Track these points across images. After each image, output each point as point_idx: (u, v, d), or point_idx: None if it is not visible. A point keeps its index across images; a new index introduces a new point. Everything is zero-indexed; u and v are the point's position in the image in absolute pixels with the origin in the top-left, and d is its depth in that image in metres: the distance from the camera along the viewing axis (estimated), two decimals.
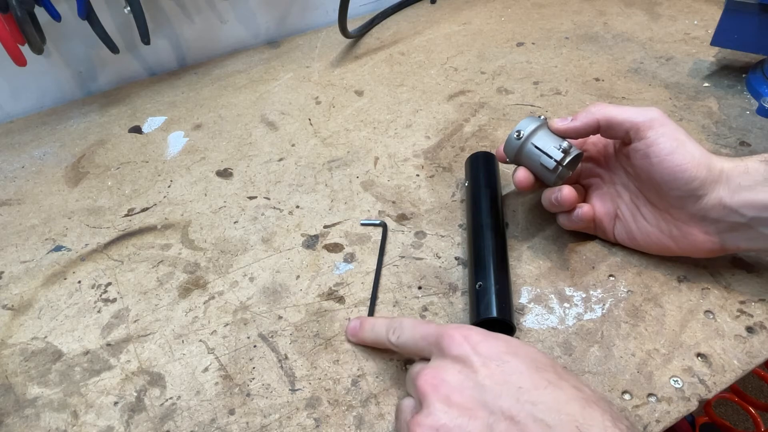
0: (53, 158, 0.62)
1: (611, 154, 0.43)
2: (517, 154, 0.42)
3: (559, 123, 0.41)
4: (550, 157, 0.40)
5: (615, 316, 0.40)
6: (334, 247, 0.47)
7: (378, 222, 0.49)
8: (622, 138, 0.40)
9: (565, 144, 0.40)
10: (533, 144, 0.41)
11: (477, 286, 0.39)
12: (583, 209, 0.42)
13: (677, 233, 0.39)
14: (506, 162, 0.45)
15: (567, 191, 0.40)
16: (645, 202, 0.41)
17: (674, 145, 0.37)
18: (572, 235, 0.46)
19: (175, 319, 0.43)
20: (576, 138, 0.41)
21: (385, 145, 0.59)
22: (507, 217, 0.48)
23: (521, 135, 0.41)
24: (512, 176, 0.43)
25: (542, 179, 0.42)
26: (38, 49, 0.60)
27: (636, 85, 0.63)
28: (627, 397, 0.35)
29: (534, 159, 0.41)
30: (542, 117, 0.42)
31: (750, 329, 0.38)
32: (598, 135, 0.41)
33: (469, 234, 0.45)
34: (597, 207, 0.43)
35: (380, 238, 0.47)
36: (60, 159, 0.62)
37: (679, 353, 0.37)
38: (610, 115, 0.39)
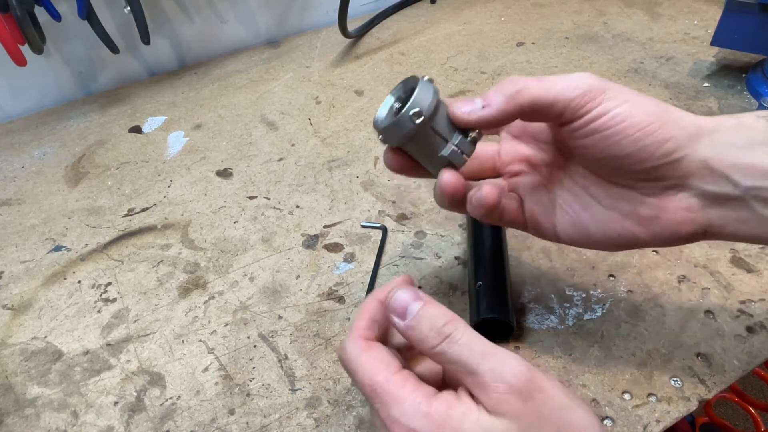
0: (53, 158, 0.62)
1: (537, 132, 0.34)
2: (408, 138, 0.30)
3: (465, 109, 0.30)
4: (458, 151, 0.30)
5: (615, 316, 0.40)
6: (334, 247, 0.47)
7: (378, 225, 0.49)
8: (555, 120, 0.30)
9: (470, 132, 0.31)
10: (432, 128, 0.30)
11: (477, 285, 0.39)
12: (482, 191, 0.31)
13: (647, 213, 0.30)
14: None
15: (488, 189, 0.31)
16: (596, 181, 0.31)
17: (627, 108, 0.28)
18: None
19: (175, 319, 0.43)
20: (488, 129, 0.31)
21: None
22: None
23: (421, 116, 0.29)
24: (383, 156, 0.33)
25: (428, 167, 0.32)
26: (38, 49, 0.60)
27: (636, 85, 0.63)
28: (627, 396, 0.35)
29: (429, 146, 0.31)
30: (426, 78, 0.30)
31: (750, 329, 0.38)
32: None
33: (468, 234, 0.45)
34: (526, 197, 0.34)
35: (380, 237, 0.47)
36: (60, 159, 0.62)
37: (679, 353, 0.37)
38: (535, 96, 0.29)
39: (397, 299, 0.27)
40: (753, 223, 0.28)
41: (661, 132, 0.28)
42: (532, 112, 0.29)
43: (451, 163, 0.31)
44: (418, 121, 0.29)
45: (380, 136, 0.31)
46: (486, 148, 0.36)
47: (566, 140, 0.31)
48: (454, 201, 0.32)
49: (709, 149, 0.28)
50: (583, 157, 0.31)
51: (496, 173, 0.36)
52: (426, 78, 0.30)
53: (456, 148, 0.30)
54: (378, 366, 0.26)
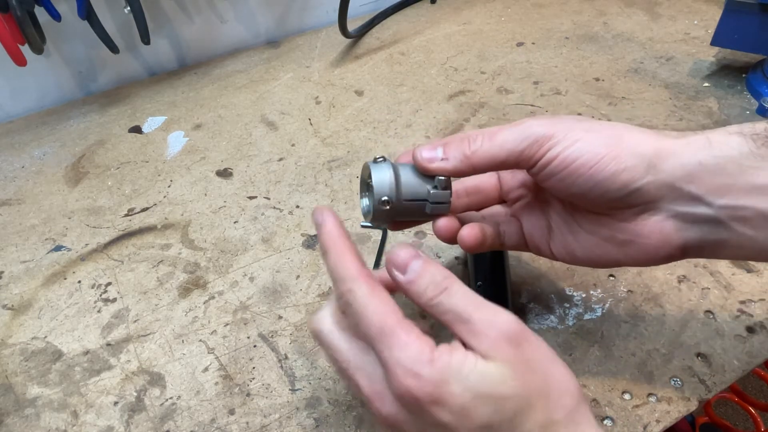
0: (53, 158, 0.62)
1: None
2: (391, 218, 0.33)
3: (426, 155, 0.31)
4: (438, 203, 0.32)
5: (615, 316, 0.40)
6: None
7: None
8: (514, 169, 0.33)
9: (437, 179, 0.32)
10: (405, 200, 0.32)
11: (477, 285, 0.39)
12: (463, 235, 0.33)
13: (623, 238, 0.31)
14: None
15: (467, 232, 0.33)
16: (577, 209, 0.33)
17: (576, 148, 0.29)
18: None
19: (175, 319, 0.43)
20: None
21: (385, 145, 0.59)
22: None
23: (387, 202, 0.31)
24: (433, 228, 0.34)
25: (425, 219, 0.34)
26: (38, 49, 0.60)
27: (636, 85, 0.63)
28: (627, 396, 0.35)
29: (412, 212, 0.33)
30: (378, 158, 0.32)
31: (750, 329, 0.38)
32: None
33: None
34: (524, 221, 0.35)
35: (380, 238, 0.47)
36: (60, 159, 0.62)
37: (679, 353, 0.37)
38: (487, 156, 0.30)
39: (398, 255, 0.28)
40: (732, 242, 0.28)
41: (614, 165, 0.28)
42: (489, 169, 0.31)
43: (439, 215, 0.33)
44: (387, 207, 0.31)
45: (371, 226, 0.34)
46: (488, 179, 0.38)
47: (536, 181, 0.32)
48: (453, 240, 0.33)
49: (677, 170, 0.28)
50: (554, 193, 0.32)
51: (500, 200, 0.38)
52: (376, 159, 0.32)
53: (435, 204, 0.32)
54: (389, 309, 0.27)
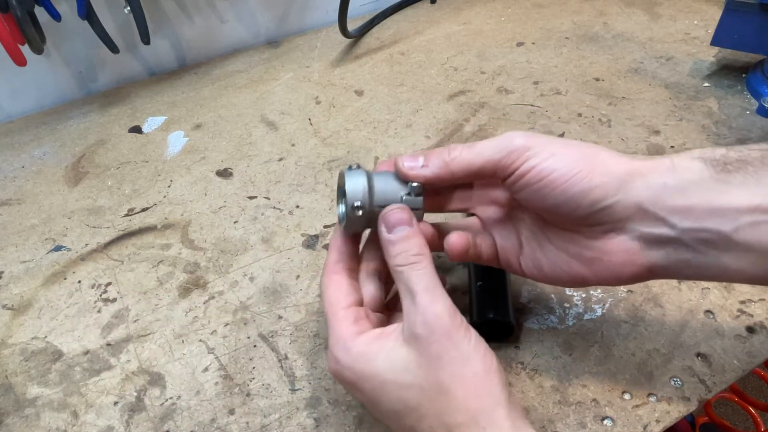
0: (53, 158, 0.62)
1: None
2: (364, 225, 0.34)
3: (407, 164, 0.32)
4: (413, 209, 0.33)
5: (615, 316, 0.40)
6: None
7: None
8: (491, 179, 0.34)
9: (411, 185, 0.33)
10: (378, 206, 0.33)
11: (477, 285, 0.39)
12: (450, 241, 0.33)
13: (590, 255, 0.31)
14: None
15: (455, 239, 0.33)
16: (547, 224, 0.33)
17: (552, 161, 0.29)
18: None
19: (175, 319, 0.43)
20: (430, 186, 0.33)
21: (385, 145, 0.59)
22: None
23: (362, 206, 0.32)
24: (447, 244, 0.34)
25: None
26: (38, 49, 0.60)
27: (636, 85, 0.63)
28: (627, 396, 0.35)
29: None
30: (353, 166, 0.33)
31: (750, 329, 0.38)
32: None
33: None
34: (497, 235, 0.36)
35: None
36: (60, 159, 0.62)
37: (679, 353, 0.37)
38: (465, 163, 0.31)
39: (393, 215, 0.31)
40: (695, 264, 0.28)
41: (587, 180, 0.28)
42: (467, 176, 0.32)
43: None
44: (360, 213, 0.32)
45: (346, 231, 0.34)
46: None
47: (510, 193, 0.33)
48: (436, 248, 0.35)
49: (644, 191, 0.28)
50: (527, 206, 0.33)
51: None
52: (351, 167, 0.33)
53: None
54: (332, 299, 0.31)
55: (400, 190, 0.33)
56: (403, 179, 0.33)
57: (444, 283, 0.33)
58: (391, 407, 0.28)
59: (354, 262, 0.34)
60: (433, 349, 0.27)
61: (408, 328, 0.29)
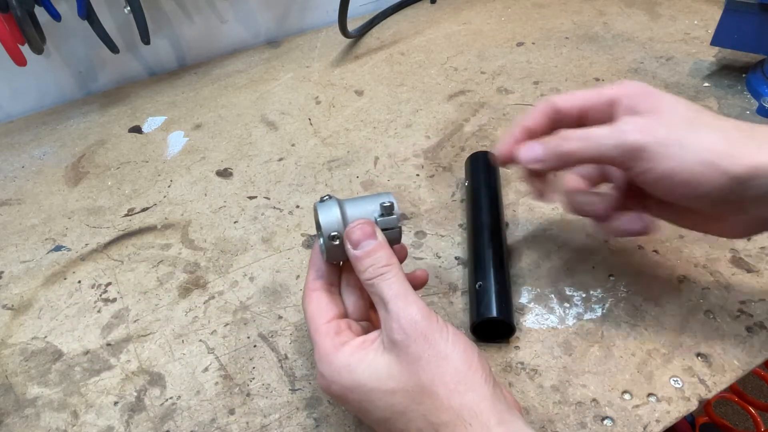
0: (53, 158, 0.62)
1: None
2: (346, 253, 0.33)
3: (524, 156, 0.35)
4: (384, 229, 0.33)
5: (615, 316, 0.40)
6: None
7: None
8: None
9: (385, 203, 0.33)
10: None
11: (477, 286, 0.39)
12: (640, 222, 0.35)
13: (711, 221, 0.35)
14: (504, 165, 0.38)
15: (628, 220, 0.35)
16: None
17: (671, 166, 0.30)
18: (572, 235, 0.46)
19: (175, 319, 0.43)
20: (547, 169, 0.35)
21: (385, 145, 0.59)
22: (507, 217, 0.48)
23: (338, 235, 0.32)
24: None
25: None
26: (38, 49, 0.60)
27: None
28: (627, 396, 0.35)
29: None
30: (324, 197, 0.34)
31: (750, 329, 0.38)
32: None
33: (469, 234, 0.45)
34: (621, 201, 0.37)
35: None
36: (60, 159, 0.62)
37: (679, 353, 0.37)
38: (581, 156, 0.33)
39: (356, 231, 0.31)
40: None
41: (708, 185, 0.29)
42: (583, 163, 0.34)
43: (394, 241, 0.33)
44: (337, 242, 0.32)
45: (330, 261, 0.34)
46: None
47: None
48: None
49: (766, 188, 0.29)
50: (652, 192, 0.33)
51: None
52: (323, 198, 0.33)
53: (384, 230, 0.33)
54: (313, 315, 0.32)
55: (374, 212, 0.33)
56: (532, 167, 0.34)
57: (422, 282, 0.36)
58: (380, 415, 0.29)
59: (334, 277, 0.35)
60: (411, 351, 0.28)
61: (386, 335, 0.29)
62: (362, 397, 0.29)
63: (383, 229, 0.33)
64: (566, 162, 0.34)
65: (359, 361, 0.29)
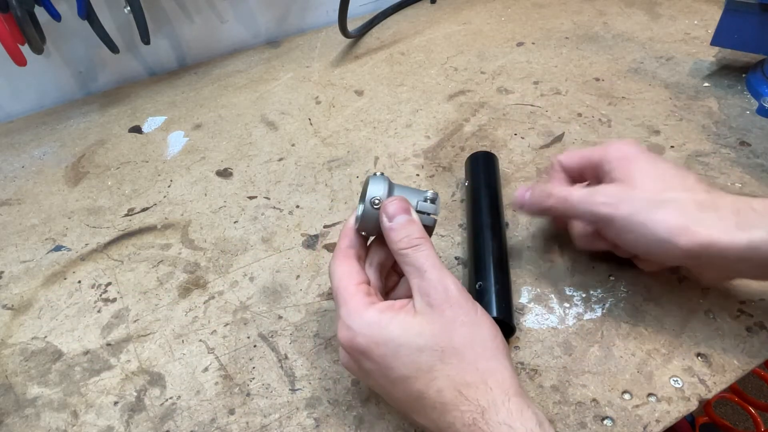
0: (53, 158, 0.62)
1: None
2: (378, 226, 0.35)
3: (516, 199, 0.41)
4: (421, 212, 0.35)
5: (615, 316, 0.40)
6: (334, 247, 0.47)
7: None
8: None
9: (429, 193, 0.36)
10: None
11: (477, 286, 0.39)
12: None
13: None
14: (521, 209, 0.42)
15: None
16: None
17: (636, 239, 0.35)
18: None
19: (175, 318, 0.43)
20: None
21: (385, 145, 0.59)
22: (507, 217, 0.48)
23: (380, 201, 0.34)
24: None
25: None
26: (38, 49, 0.60)
27: (636, 85, 0.63)
28: (627, 396, 0.35)
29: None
30: (378, 173, 0.36)
31: (750, 329, 0.38)
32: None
33: (469, 234, 0.45)
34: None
35: None
36: (60, 159, 0.62)
37: (679, 353, 0.37)
38: (561, 210, 0.39)
39: (392, 204, 0.33)
40: None
41: (670, 258, 0.36)
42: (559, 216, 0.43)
43: (426, 227, 0.35)
44: (377, 207, 0.34)
45: (363, 233, 0.36)
46: None
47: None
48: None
49: (722, 261, 0.33)
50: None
51: None
52: (376, 173, 0.36)
53: (420, 213, 0.35)
54: (343, 276, 0.33)
55: (417, 198, 0.35)
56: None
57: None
58: (403, 372, 0.29)
59: (362, 250, 0.36)
60: (447, 314, 0.30)
61: (420, 300, 0.31)
62: (389, 352, 0.30)
63: (419, 212, 0.34)
64: (547, 214, 0.41)
65: (390, 318, 0.30)
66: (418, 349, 0.29)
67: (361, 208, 0.35)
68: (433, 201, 0.35)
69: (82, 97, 0.73)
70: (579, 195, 0.37)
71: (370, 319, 0.30)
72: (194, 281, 0.46)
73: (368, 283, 0.34)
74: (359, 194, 0.37)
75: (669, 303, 0.40)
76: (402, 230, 0.33)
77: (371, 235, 0.36)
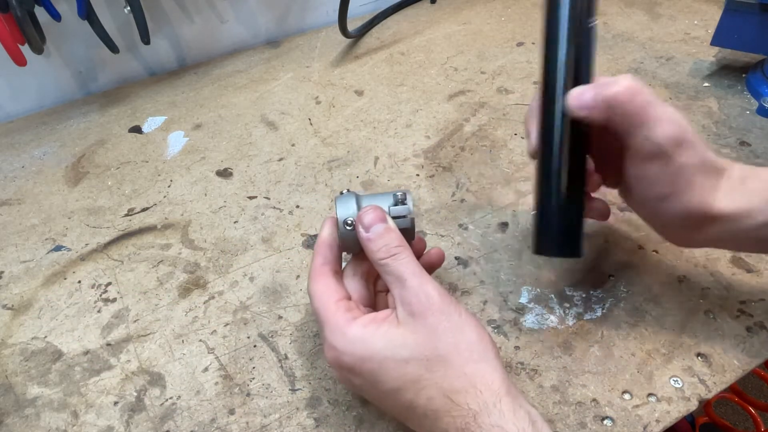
0: (53, 158, 0.62)
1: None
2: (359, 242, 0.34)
3: (576, 101, 0.33)
4: (396, 217, 0.34)
5: (615, 316, 0.40)
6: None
7: None
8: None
9: (398, 194, 0.35)
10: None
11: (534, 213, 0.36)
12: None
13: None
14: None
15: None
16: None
17: (692, 160, 0.32)
18: None
19: (175, 319, 0.43)
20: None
21: (385, 145, 0.59)
22: (507, 217, 0.48)
23: (353, 222, 0.34)
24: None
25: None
26: (38, 49, 0.60)
27: None
28: (627, 396, 0.35)
29: None
30: (344, 191, 0.36)
31: (750, 329, 0.38)
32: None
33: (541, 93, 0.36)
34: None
35: None
36: (60, 159, 0.62)
37: (679, 353, 0.37)
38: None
39: (368, 215, 0.33)
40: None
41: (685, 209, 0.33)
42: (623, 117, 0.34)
43: (407, 229, 0.35)
44: (351, 228, 0.34)
45: (345, 252, 0.36)
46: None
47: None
48: None
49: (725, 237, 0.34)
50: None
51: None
52: (342, 192, 0.36)
53: (396, 218, 0.34)
54: (322, 294, 0.33)
55: (387, 203, 0.35)
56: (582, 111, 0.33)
57: (439, 261, 0.39)
58: (391, 385, 0.29)
59: (337, 265, 0.36)
60: (429, 323, 0.30)
61: (402, 309, 0.30)
62: (375, 367, 0.30)
63: (394, 217, 0.34)
64: (612, 109, 0.32)
65: (373, 333, 0.30)
66: (404, 360, 0.29)
67: (338, 233, 0.35)
68: (403, 201, 0.35)
69: (82, 97, 0.73)
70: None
71: (353, 336, 0.30)
72: (194, 281, 0.46)
73: (348, 297, 0.34)
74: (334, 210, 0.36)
75: (669, 303, 0.40)
76: (379, 240, 0.32)
77: (355, 252, 0.36)
